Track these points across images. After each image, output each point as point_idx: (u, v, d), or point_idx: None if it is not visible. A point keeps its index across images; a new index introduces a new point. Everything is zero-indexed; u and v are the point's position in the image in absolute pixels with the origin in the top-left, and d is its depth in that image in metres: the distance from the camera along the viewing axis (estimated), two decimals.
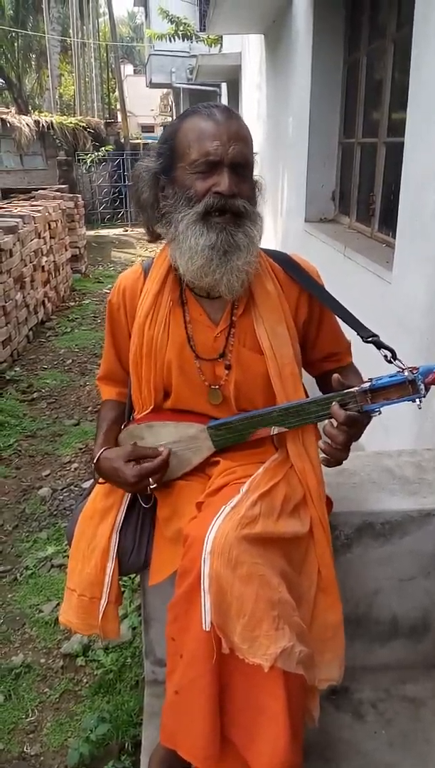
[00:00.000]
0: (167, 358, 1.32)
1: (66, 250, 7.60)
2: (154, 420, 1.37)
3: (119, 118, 16.96)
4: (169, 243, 1.26)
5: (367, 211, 3.97)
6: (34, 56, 21.67)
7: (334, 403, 1.21)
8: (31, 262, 5.77)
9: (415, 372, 1.16)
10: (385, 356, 1.28)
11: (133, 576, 2.34)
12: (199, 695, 1.13)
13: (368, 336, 1.32)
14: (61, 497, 3.15)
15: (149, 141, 17.44)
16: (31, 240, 5.83)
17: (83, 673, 2.08)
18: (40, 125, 13.94)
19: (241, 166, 1.20)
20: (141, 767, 1.46)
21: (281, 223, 5.71)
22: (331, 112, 4.57)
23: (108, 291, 7.75)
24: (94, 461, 1.37)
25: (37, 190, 9.05)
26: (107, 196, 14.84)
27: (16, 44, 19.91)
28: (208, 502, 1.26)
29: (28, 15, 19.83)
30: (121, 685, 2.00)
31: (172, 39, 12.12)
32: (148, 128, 29.93)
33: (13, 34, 19.21)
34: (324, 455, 1.25)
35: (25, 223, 5.71)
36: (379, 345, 1.29)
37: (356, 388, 1.20)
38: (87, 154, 14.27)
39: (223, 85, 12.58)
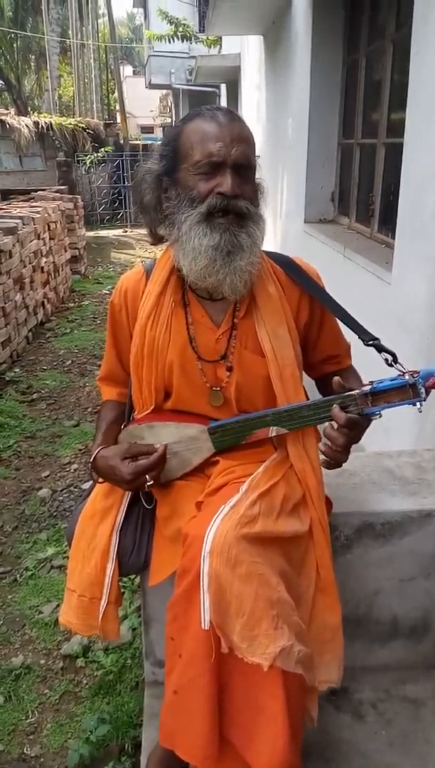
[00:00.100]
0: (169, 359, 1.33)
1: (65, 251, 7.60)
2: (155, 420, 1.37)
3: (118, 119, 16.97)
4: (173, 244, 1.26)
5: (367, 211, 3.97)
6: (33, 57, 21.66)
7: (334, 405, 1.21)
8: (30, 263, 5.77)
9: (415, 376, 1.17)
10: (386, 360, 1.29)
11: (133, 577, 2.34)
12: (198, 694, 1.13)
13: (369, 339, 1.32)
14: (61, 498, 3.14)
15: (149, 142, 17.48)
16: (31, 241, 5.83)
17: (83, 674, 2.08)
18: (40, 126, 13.93)
19: (244, 168, 1.21)
20: None
21: (281, 224, 5.71)
22: (330, 113, 4.58)
23: (107, 292, 7.77)
24: (91, 460, 1.37)
25: (36, 191, 9.04)
26: (107, 197, 14.84)
27: (15, 45, 19.90)
28: (208, 501, 1.26)
29: (28, 16, 19.82)
30: (121, 686, 2.00)
31: (171, 40, 12.13)
32: (147, 129, 29.96)
33: (13, 35, 19.20)
34: (324, 457, 1.25)
35: (24, 225, 5.71)
36: (380, 348, 1.30)
37: (357, 391, 1.20)
38: (86, 155, 14.27)
39: (223, 86, 12.59)
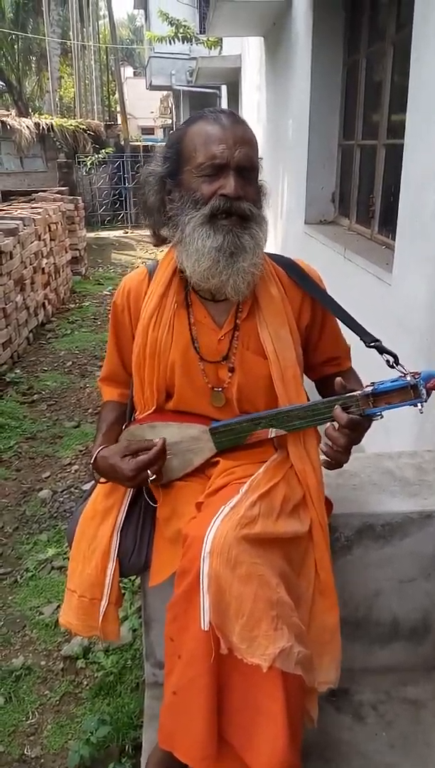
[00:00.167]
0: (171, 360, 1.33)
1: (66, 252, 7.60)
2: (156, 420, 1.37)
3: (119, 121, 16.97)
4: (176, 245, 1.27)
5: (367, 212, 3.98)
6: (34, 59, 21.71)
7: (336, 406, 1.21)
8: (31, 264, 5.77)
9: (417, 377, 1.17)
10: (387, 361, 1.29)
11: (133, 578, 2.34)
12: (197, 695, 1.13)
13: (370, 341, 1.33)
14: (62, 499, 3.15)
15: (149, 143, 17.49)
16: (32, 242, 5.84)
17: (84, 675, 2.08)
18: (40, 127, 13.94)
19: (247, 170, 1.21)
20: None
21: (281, 225, 5.72)
22: (330, 114, 4.58)
23: (108, 293, 7.77)
24: (92, 461, 1.37)
25: (37, 192, 9.05)
26: (107, 198, 14.85)
27: (16, 47, 19.94)
28: (208, 502, 1.27)
29: (28, 17, 19.85)
30: (122, 687, 2.00)
31: (172, 41, 12.12)
32: (148, 130, 29.99)
33: (13, 36, 19.23)
34: (325, 457, 1.26)
35: (25, 226, 5.71)
36: (382, 350, 1.31)
37: (359, 392, 1.21)
38: (87, 157, 14.28)
39: (223, 88, 12.60)
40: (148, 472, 1.30)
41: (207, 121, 1.21)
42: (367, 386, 1.22)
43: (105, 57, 20.19)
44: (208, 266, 1.20)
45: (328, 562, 1.31)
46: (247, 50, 8.24)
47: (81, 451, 3.66)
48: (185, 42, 12.01)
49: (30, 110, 19.52)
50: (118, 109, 17.41)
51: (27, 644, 2.22)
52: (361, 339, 1.34)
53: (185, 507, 1.31)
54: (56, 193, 9.00)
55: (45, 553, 2.68)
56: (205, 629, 1.12)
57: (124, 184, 14.69)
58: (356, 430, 1.22)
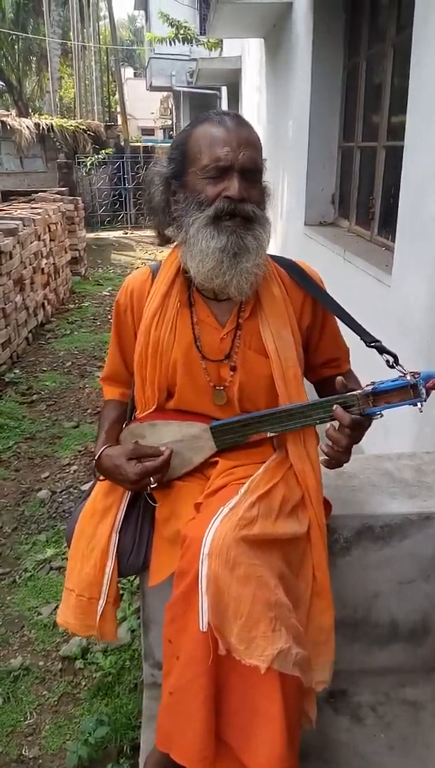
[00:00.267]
0: (173, 359, 1.34)
1: (66, 252, 7.60)
2: (157, 419, 1.37)
3: (119, 121, 16.96)
4: (180, 246, 1.28)
5: (367, 214, 3.98)
6: (34, 59, 21.70)
7: (336, 406, 1.22)
8: (30, 265, 5.77)
9: (416, 376, 1.18)
10: (387, 361, 1.30)
11: (132, 578, 2.34)
12: (195, 696, 1.13)
13: (371, 341, 1.34)
14: (61, 499, 3.14)
15: (149, 144, 17.49)
16: (31, 242, 5.83)
17: (82, 675, 2.07)
18: (41, 128, 13.93)
19: (251, 172, 1.22)
20: None
21: (281, 226, 5.72)
22: (330, 116, 4.59)
23: (108, 293, 7.77)
24: (96, 458, 1.38)
25: (37, 192, 9.04)
26: (107, 198, 14.84)
27: (16, 47, 19.93)
28: (207, 503, 1.27)
29: (29, 18, 19.85)
30: (120, 688, 2.00)
31: (172, 42, 12.13)
32: (148, 131, 30.02)
33: (14, 36, 19.23)
34: (325, 458, 1.27)
35: (25, 226, 5.71)
36: (382, 350, 1.31)
37: (359, 391, 1.22)
38: (87, 157, 14.27)
39: (223, 89, 12.62)
40: (151, 479, 1.30)
41: (212, 123, 1.23)
42: (366, 386, 1.22)
43: (105, 58, 20.21)
44: (212, 266, 1.21)
45: (325, 564, 1.31)
46: (248, 52, 8.25)
47: (80, 451, 3.66)
48: (185, 43, 12.03)
49: (30, 110, 19.52)
50: (119, 109, 17.41)
51: (25, 644, 2.21)
52: (361, 339, 1.35)
53: (184, 507, 1.31)
54: (56, 193, 9.00)
55: (44, 554, 2.68)
56: (204, 630, 1.12)
57: (124, 184, 14.69)
58: (357, 429, 1.23)
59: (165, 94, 24.20)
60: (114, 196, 14.90)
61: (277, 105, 6.07)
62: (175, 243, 1.35)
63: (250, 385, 1.34)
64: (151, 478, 1.30)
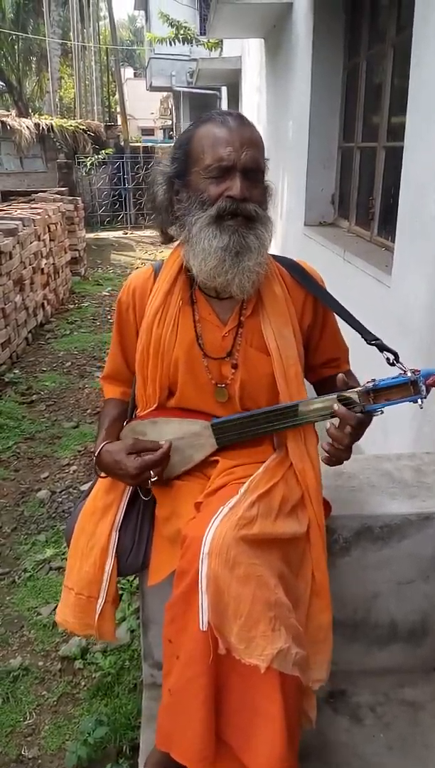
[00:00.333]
0: (175, 357, 1.35)
1: (65, 252, 7.60)
2: (158, 417, 1.38)
3: (119, 121, 16.96)
4: (183, 245, 1.29)
5: (367, 214, 3.98)
6: (34, 59, 21.68)
7: (339, 405, 1.23)
8: (30, 265, 5.77)
9: (417, 373, 1.19)
10: (388, 359, 1.31)
11: (132, 578, 2.34)
12: (195, 696, 1.13)
13: (371, 339, 1.35)
14: (60, 500, 3.14)
15: (149, 144, 17.48)
16: (31, 242, 5.83)
17: (81, 676, 2.07)
18: (40, 128, 13.93)
19: (253, 172, 1.23)
20: None
21: (281, 226, 5.72)
22: (330, 116, 4.59)
23: (107, 293, 7.77)
24: (96, 454, 1.38)
25: (36, 192, 9.04)
26: (107, 198, 14.84)
27: (16, 47, 19.91)
28: (207, 502, 1.27)
29: (29, 18, 19.83)
30: (120, 688, 2.00)
31: (172, 43, 12.13)
32: (148, 131, 30.03)
33: (14, 37, 19.22)
34: (327, 455, 1.27)
35: (24, 226, 5.71)
36: (382, 348, 1.32)
37: (359, 388, 1.23)
38: (87, 157, 14.27)
39: (223, 89, 12.62)
40: (151, 472, 1.31)
41: (215, 123, 1.24)
42: (367, 383, 1.23)
43: (105, 58, 20.20)
44: (215, 265, 1.23)
45: (324, 563, 1.31)
46: (248, 52, 8.25)
47: (80, 451, 3.66)
48: (186, 43, 12.03)
49: (30, 111, 19.50)
50: (118, 109, 17.41)
51: (25, 645, 2.21)
52: (362, 336, 1.36)
53: (184, 507, 1.31)
54: (56, 193, 9.00)
55: (43, 554, 2.68)
56: (204, 630, 1.12)
57: (124, 185, 14.69)
58: (359, 427, 1.24)
59: (165, 94, 24.21)
60: (114, 197, 14.90)
61: (277, 105, 6.08)
62: (177, 242, 1.36)
63: (252, 383, 1.35)
64: (151, 472, 1.31)
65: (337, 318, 1.44)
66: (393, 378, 1.21)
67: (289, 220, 5.38)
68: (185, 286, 1.36)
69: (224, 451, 1.38)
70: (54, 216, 6.96)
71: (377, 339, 1.34)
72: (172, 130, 24.24)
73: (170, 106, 24.75)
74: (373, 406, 1.22)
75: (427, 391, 1.20)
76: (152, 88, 18.23)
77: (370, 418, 1.25)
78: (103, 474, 1.40)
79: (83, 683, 2.05)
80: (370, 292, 3.09)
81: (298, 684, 1.17)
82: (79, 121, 15.40)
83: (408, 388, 1.20)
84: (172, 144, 1.52)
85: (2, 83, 20.58)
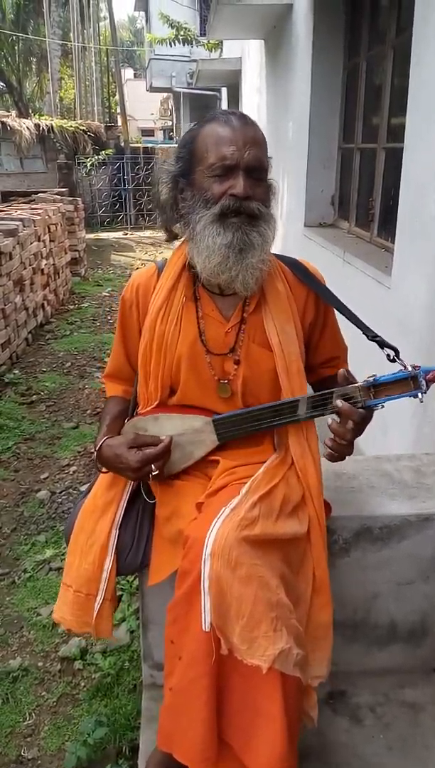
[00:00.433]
0: (177, 353, 1.35)
1: (66, 253, 7.60)
2: (159, 413, 1.38)
3: (119, 122, 16.96)
4: (187, 242, 1.31)
5: (367, 216, 3.98)
6: (34, 60, 21.69)
7: (342, 401, 1.24)
8: (30, 265, 5.77)
9: (416, 369, 1.21)
10: (388, 356, 1.32)
11: (131, 579, 2.34)
12: (198, 697, 1.13)
13: (372, 336, 1.36)
14: (60, 500, 3.14)
15: (149, 145, 17.48)
16: (31, 243, 5.84)
17: (81, 676, 2.07)
18: (41, 128, 13.93)
19: (256, 170, 1.25)
20: None
21: (281, 227, 5.72)
22: (330, 117, 4.59)
23: (107, 294, 7.77)
24: (96, 449, 1.38)
25: (37, 193, 9.05)
26: (107, 199, 14.84)
27: (16, 48, 19.93)
28: (208, 502, 1.28)
29: (29, 19, 19.85)
30: (119, 688, 2.00)
31: (172, 43, 12.15)
32: (148, 132, 30.03)
33: (14, 37, 19.23)
34: (329, 451, 1.28)
35: (25, 226, 5.71)
36: (383, 344, 1.34)
37: (360, 383, 1.24)
38: (87, 158, 14.28)
39: (224, 90, 12.63)
40: (152, 466, 1.31)
41: (218, 122, 1.25)
42: (367, 378, 1.25)
43: (105, 58, 20.21)
44: (219, 262, 1.24)
45: (324, 560, 1.32)
46: (248, 53, 8.25)
47: (79, 452, 3.66)
48: (186, 44, 12.05)
49: (30, 111, 19.50)
50: (119, 110, 17.41)
51: (24, 645, 2.21)
52: (363, 333, 1.38)
53: (186, 507, 1.31)
54: (56, 194, 9.00)
55: (43, 554, 2.68)
56: (206, 630, 1.13)
57: (124, 185, 14.69)
58: (361, 422, 1.25)
59: (165, 95, 24.21)
60: (114, 197, 14.90)
61: (277, 106, 6.08)
62: (180, 241, 1.38)
63: (254, 379, 1.36)
64: (153, 466, 1.31)
65: (338, 317, 1.45)
66: (393, 373, 1.23)
67: (289, 221, 5.38)
68: (189, 283, 1.37)
69: (225, 451, 1.39)
70: (54, 216, 6.96)
71: (378, 336, 1.36)
72: (172, 130, 24.25)
73: (170, 107, 24.76)
74: (374, 401, 1.24)
75: (427, 386, 1.22)
76: (152, 89, 18.25)
77: (371, 413, 1.26)
78: (104, 469, 1.40)
79: (83, 684, 2.04)
80: (370, 292, 3.10)
81: (298, 684, 1.17)
82: (80, 121, 15.41)
83: (408, 383, 1.22)
84: (174, 144, 1.54)
85: (2, 84, 20.60)
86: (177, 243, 1.45)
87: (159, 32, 13.50)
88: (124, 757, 1.74)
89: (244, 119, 1.27)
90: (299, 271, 1.41)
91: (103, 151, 14.54)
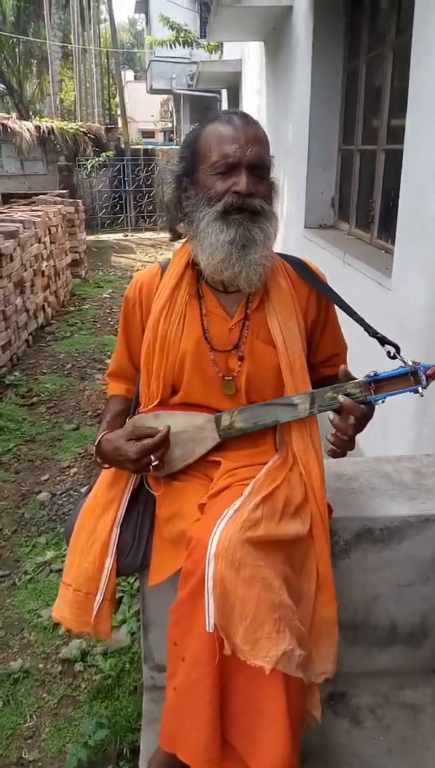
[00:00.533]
0: (181, 351, 1.36)
1: (66, 254, 7.61)
2: (161, 411, 1.39)
3: (120, 124, 16.98)
4: (191, 240, 1.32)
5: (367, 217, 3.99)
6: (35, 62, 21.70)
7: (344, 398, 1.26)
8: (31, 267, 5.78)
9: (416, 365, 1.23)
10: (388, 352, 1.33)
11: (132, 581, 2.34)
12: (201, 698, 1.14)
13: (374, 333, 1.38)
14: (60, 502, 3.14)
15: (150, 146, 17.49)
16: (32, 245, 5.84)
17: (82, 678, 2.07)
18: (41, 130, 13.95)
19: (259, 168, 1.26)
20: None
21: (281, 228, 5.71)
22: (330, 119, 4.60)
23: (108, 296, 7.77)
24: (95, 444, 1.39)
25: (37, 195, 9.06)
26: (107, 201, 14.85)
27: (17, 50, 19.94)
28: (210, 504, 1.28)
29: (30, 21, 19.87)
30: (120, 690, 2.00)
31: (172, 45, 12.19)
32: (148, 134, 30.05)
33: (15, 39, 19.25)
34: (332, 447, 1.29)
35: (25, 228, 5.72)
36: (384, 341, 1.35)
37: (361, 379, 1.26)
38: (87, 160, 14.29)
39: (224, 92, 12.64)
40: (152, 457, 1.31)
41: (221, 121, 1.27)
42: (368, 373, 1.26)
43: (106, 60, 20.22)
44: (222, 258, 1.25)
45: (327, 556, 1.33)
46: (248, 54, 8.26)
47: (80, 454, 3.66)
48: (186, 46, 12.09)
49: (31, 113, 19.50)
50: (119, 112, 17.42)
51: (25, 647, 2.21)
52: (364, 329, 1.39)
53: (187, 507, 1.32)
54: (56, 195, 9.01)
55: (43, 556, 2.68)
56: (210, 631, 1.13)
57: (125, 187, 14.70)
58: (363, 418, 1.27)
59: (165, 96, 24.25)
60: (114, 199, 14.91)
61: (277, 108, 6.09)
62: (182, 241, 1.39)
63: (258, 375, 1.37)
64: (152, 456, 1.31)
65: (339, 316, 1.47)
66: (394, 369, 1.25)
67: (289, 222, 5.38)
68: (192, 281, 1.38)
69: (226, 452, 1.39)
70: (54, 218, 6.97)
71: (379, 333, 1.37)
72: (172, 132, 24.26)
73: (171, 109, 24.79)
74: (374, 397, 1.26)
75: (428, 382, 1.24)
76: (153, 91, 18.29)
77: (372, 409, 1.28)
78: (106, 465, 1.40)
79: (84, 686, 2.05)
80: (371, 294, 3.10)
81: (300, 685, 1.18)
82: (80, 123, 15.42)
83: (408, 379, 1.24)
84: (175, 146, 1.56)
85: (3, 86, 20.62)
86: (177, 245, 1.46)
87: (159, 34, 13.53)
88: (124, 759, 1.74)
89: (246, 118, 1.29)
90: (302, 269, 1.42)
91: (104, 153, 14.56)
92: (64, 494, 3.21)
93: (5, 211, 6.88)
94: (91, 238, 11.78)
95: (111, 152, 14.79)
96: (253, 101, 7.84)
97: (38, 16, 19.32)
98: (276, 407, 1.34)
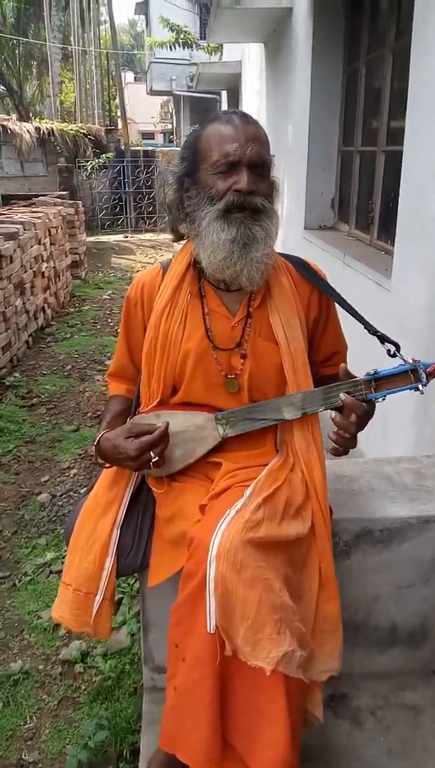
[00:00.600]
0: (183, 350, 1.36)
1: (66, 256, 7.61)
2: (161, 411, 1.39)
3: (120, 125, 17.00)
4: (193, 239, 1.33)
5: (367, 218, 3.99)
6: (35, 63, 21.70)
7: (346, 396, 1.27)
8: (31, 268, 5.78)
9: (416, 362, 1.24)
10: (389, 351, 1.34)
11: (132, 582, 2.34)
12: (202, 698, 1.14)
13: (374, 331, 1.39)
14: (60, 503, 3.14)
15: (150, 148, 17.51)
16: (32, 246, 5.85)
17: (82, 679, 2.07)
18: (41, 132, 13.96)
19: (259, 166, 1.27)
20: None
21: (281, 229, 5.71)
22: (330, 120, 4.60)
23: (108, 297, 7.78)
24: (95, 444, 1.39)
25: (37, 196, 9.06)
26: (107, 202, 14.86)
27: (17, 51, 19.94)
28: (211, 505, 1.28)
29: (30, 23, 19.87)
30: (120, 691, 2.00)
31: (172, 47, 12.21)
32: (148, 135, 30.05)
33: (15, 41, 19.27)
34: (334, 445, 1.30)
35: (25, 230, 5.72)
36: (384, 339, 1.36)
37: (362, 377, 1.27)
38: (87, 161, 14.31)
39: (223, 93, 12.65)
40: (151, 453, 1.31)
41: (221, 121, 1.28)
42: (369, 371, 1.27)
43: (106, 62, 20.23)
44: (224, 257, 1.26)
45: (329, 554, 1.33)
46: (248, 56, 8.27)
47: (80, 455, 3.66)
48: (186, 48, 12.11)
49: (31, 115, 19.51)
50: (119, 113, 17.44)
51: (25, 648, 2.21)
52: (365, 327, 1.40)
53: (188, 508, 1.32)
54: (57, 197, 9.01)
55: (43, 557, 2.68)
56: (211, 632, 1.13)
57: (125, 188, 14.71)
58: (364, 416, 1.27)
59: (165, 98, 24.25)
60: (114, 200, 14.92)
61: (277, 109, 6.09)
62: (184, 241, 1.40)
63: (260, 373, 1.37)
64: (151, 453, 1.31)
65: (339, 315, 1.48)
66: (394, 367, 1.26)
67: (289, 223, 5.38)
68: (194, 280, 1.39)
69: (227, 453, 1.39)
70: (55, 220, 6.98)
71: (379, 331, 1.38)
72: (172, 133, 24.28)
73: (170, 110, 24.81)
74: (375, 395, 1.27)
75: (428, 380, 1.25)
76: (153, 92, 18.31)
77: (373, 407, 1.29)
78: (107, 465, 1.40)
79: (84, 687, 2.04)
80: (370, 295, 3.10)
81: (301, 686, 1.18)
82: (80, 125, 15.43)
83: (409, 376, 1.25)
84: (175, 147, 1.57)
85: (3, 87, 20.62)
86: (178, 246, 1.47)
87: (159, 36, 13.55)
88: (124, 761, 1.74)
89: (246, 118, 1.30)
90: (303, 268, 1.43)
91: (104, 155, 14.57)
92: (64, 495, 3.21)
93: (5, 212, 6.89)
94: (91, 239, 11.78)
95: (111, 153, 14.80)
96: (253, 103, 7.85)
97: (38, 18, 19.33)
98: (278, 405, 1.34)
